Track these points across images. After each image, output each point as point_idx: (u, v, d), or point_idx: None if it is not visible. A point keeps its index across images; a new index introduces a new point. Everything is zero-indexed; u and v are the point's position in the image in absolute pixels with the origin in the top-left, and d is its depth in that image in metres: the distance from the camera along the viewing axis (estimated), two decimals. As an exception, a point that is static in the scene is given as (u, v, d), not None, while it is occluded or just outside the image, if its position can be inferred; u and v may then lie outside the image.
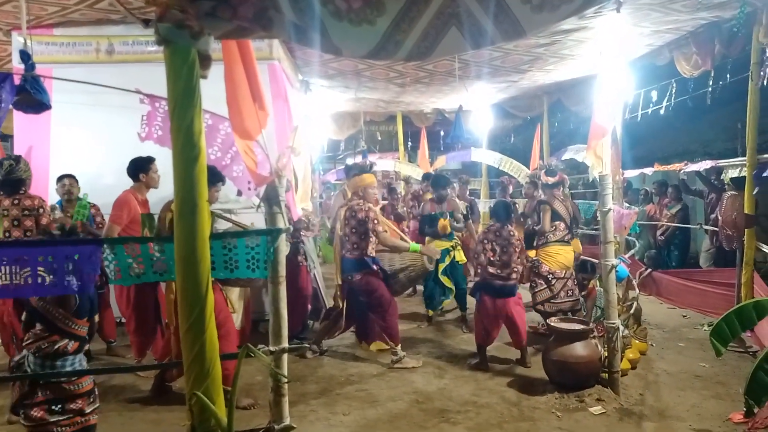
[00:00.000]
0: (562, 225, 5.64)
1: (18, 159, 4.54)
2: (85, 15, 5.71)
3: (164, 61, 1.89)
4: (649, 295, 7.86)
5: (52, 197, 5.43)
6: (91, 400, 3.17)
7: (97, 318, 3.37)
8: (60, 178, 5.27)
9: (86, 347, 3.28)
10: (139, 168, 4.82)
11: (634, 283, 5.92)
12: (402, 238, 5.71)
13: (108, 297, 5.29)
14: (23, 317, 3.16)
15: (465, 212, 6.71)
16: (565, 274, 5.57)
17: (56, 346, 3.01)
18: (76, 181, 5.36)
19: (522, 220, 7.11)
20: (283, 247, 2.74)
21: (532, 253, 5.67)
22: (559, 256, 5.58)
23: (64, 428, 3.05)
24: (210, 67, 1.95)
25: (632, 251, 7.64)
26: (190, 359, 1.87)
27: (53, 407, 3.02)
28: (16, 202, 4.38)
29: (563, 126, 12.12)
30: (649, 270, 8.09)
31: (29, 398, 3.02)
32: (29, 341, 3.05)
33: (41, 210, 4.41)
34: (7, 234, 4.33)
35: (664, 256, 8.64)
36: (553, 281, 5.52)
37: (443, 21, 1.99)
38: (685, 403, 4.23)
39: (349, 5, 1.90)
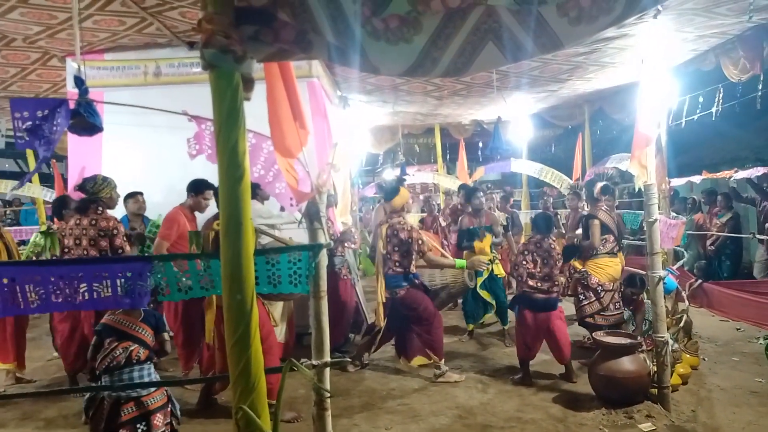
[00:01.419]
0: (611, 237, 5.53)
1: (94, 179, 4.70)
2: (134, 40, 5.96)
3: (209, 84, 1.96)
4: (700, 307, 7.59)
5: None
6: (167, 414, 3.27)
7: (167, 336, 3.47)
8: (134, 194, 5.45)
9: (155, 359, 3.40)
10: (195, 188, 4.95)
11: (684, 295, 5.73)
12: (443, 255, 5.71)
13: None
14: (93, 341, 3.28)
15: (505, 224, 6.65)
16: (613, 286, 5.46)
17: (130, 350, 3.15)
18: None
19: (564, 232, 6.98)
20: (324, 261, 2.79)
21: (579, 265, 5.56)
22: (609, 268, 5.47)
23: None
24: (253, 89, 2.01)
25: (681, 262, 7.40)
26: (236, 374, 1.91)
27: (138, 425, 3.13)
28: (93, 222, 4.55)
29: (605, 134, 11.90)
30: (699, 281, 7.82)
31: (114, 421, 3.12)
32: (102, 357, 3.17)
33: (115, 231, 4.58)
34: (85, 252, 4.52)
35: (714, 266, 8.35)
36: (602, 293, 5.40)
37: (480, 36, 2.00)
38: (740, 420, 4.06)
39: (386, 25, 1.93)
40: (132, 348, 3.17)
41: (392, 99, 9.22)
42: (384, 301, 5.15)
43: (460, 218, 7.09)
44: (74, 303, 2.61)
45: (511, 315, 6.15)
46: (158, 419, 3.18)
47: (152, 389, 3.22)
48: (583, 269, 5.51)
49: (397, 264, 5.08)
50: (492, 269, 6.38)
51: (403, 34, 1.94)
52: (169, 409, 3.30)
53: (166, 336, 3.42)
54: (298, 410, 4.34)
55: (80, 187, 4.66)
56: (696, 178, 8.69)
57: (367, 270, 9.75)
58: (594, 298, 5.41)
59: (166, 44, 6.13)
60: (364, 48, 1.93)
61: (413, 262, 5.11)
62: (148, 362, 3.25)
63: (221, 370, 4.14)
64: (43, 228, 5.15)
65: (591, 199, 5.74)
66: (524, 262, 4.99)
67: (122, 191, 5.59)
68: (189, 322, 4.96)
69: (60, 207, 5.35)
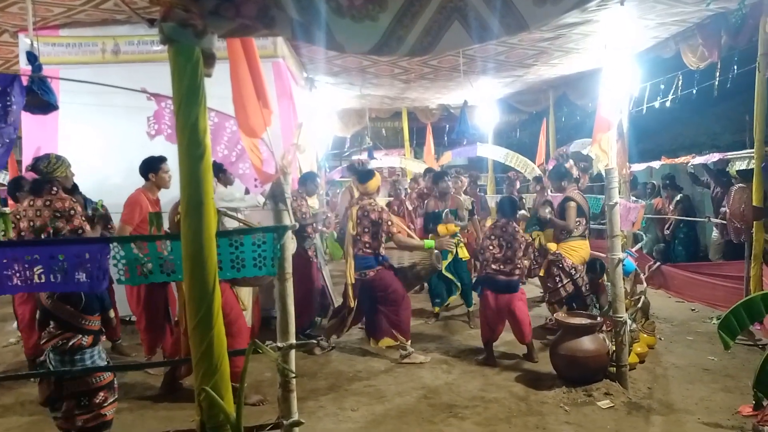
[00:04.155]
0: (583, 220, 5.62)
1: (47, 158, 4.52)
2: (91, 15, 5.75)
3: (169, 60, 1.91)
4: (658, 288, 7.83)
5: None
6: (111, 392, 3.26)
7: (112, 313, 3.41)
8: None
9: (102, 338, 3.36)
10: (149, 167, 4.81)
11: (642, 277, 5.89)
12: (410, 236, 5.73)
13: (113, 296, 5.31)
14: (37, 316, 3.22)
15: (470, 208, 6.71)
16: (584, 267, 5.57)
17: (70, 343, 3.10)
18: None
19: (528, 215, 7.07)
20: (290, 243, 2.76)
21: (553, 247, 5.61)
22: (581, 251, 5.57)
23: (87, 422, 3.14)
24: (214, 66, 1.96)
25: (639, 245, 7.60)
26: (198, 356, 1.88)
27: (80, 401, 3.11)
28: (47, 203, 4.39)
29: (569, 120, 12.09)
30: (657, 264, 8.06)
31: (58, 393, 3.11)
32: (45, 339, 3.15)
33: (72, 212, 4.42)
34: (42, 236, 4.37)
35: (672, 249, 8.60)
36: (576, 275, 5.50)
37: (445, 16, 1.98)
38: (693, 396, 4.22)
39: (351, 2, 1.90)
40: (73, 340, 3.12)
41: (359, 82, 9.15)
42: (353, 282, 5.16)
43: (426, 202, 7.13)
44: (30, 285, 2.52)
45: (476, 297, 6.24)
46: (100, 397, 3.17)
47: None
48: (557, 251, 5.58)
49: (366, 245, 5.10)
50: (456, 252, 6.45)
51: (369, 12, 1.92)
52: (111, 391, 3.27)
53: (111, 314, 3.39)
54: (264, 393, 4.32)
55: (33, 168, 4.48)
56: (655, 164, 8.91)
57: (334, 254, 9.73)
58: (568, 280, 5.50)
59: (125, 21, 5.93)
60: (328, 25, 1.90)
61: (382, 244, 5.13)
62: (93, 347, 3.21)
63: (186, 354, 4.08)
64: None
65: (571, 180, 5.80)
66: (490, 247, 5.06)
67: (80, 173, 5.42)
68: (152, 306, 4.88)
69: (15, 189, 5.15)
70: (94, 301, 3.20)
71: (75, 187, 5.05)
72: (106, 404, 3.19)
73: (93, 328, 3.20)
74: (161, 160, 4.81)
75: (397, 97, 10.86)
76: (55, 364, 3.13)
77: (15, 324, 5.94)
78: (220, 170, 4.66)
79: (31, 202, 4.43)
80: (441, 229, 6.36)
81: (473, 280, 6.26)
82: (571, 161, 5.95)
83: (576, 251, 5.56)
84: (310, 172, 5.93)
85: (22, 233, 4.51)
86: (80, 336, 3.13)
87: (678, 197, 8.52)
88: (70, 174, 4.65)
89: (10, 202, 6.53)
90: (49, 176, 4.42)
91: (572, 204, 5.53)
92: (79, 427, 3.14)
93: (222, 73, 2.11)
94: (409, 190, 10.11)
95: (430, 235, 6.56)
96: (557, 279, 5.56)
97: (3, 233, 5.15)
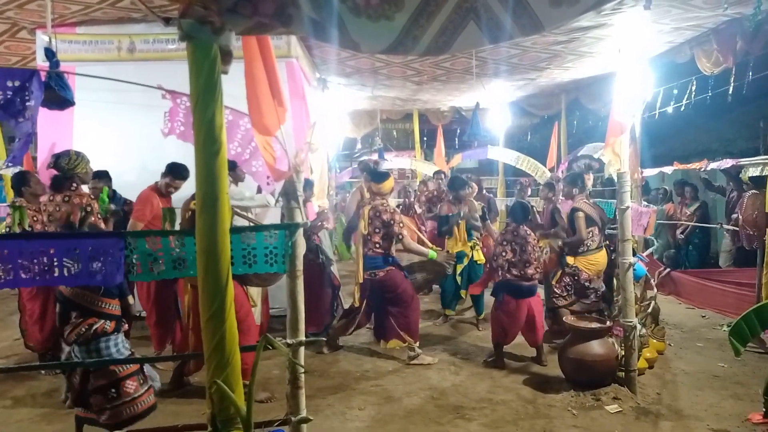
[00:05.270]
0: (596, 229, 5.42)
1: (67, 155, 4.56)
2: (107, 14, 5.80)
3: (186, 57, 1.93)
4: (668, 294, 7.78)
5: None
6: (141, 380, 3.28)
7: (131, 299, 3.46)
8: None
9: (125, 327, 3.40)
10: (167, 172, 4.85)
11: (653, 282, 5.85)
12: (420, 240, 5.74)
13: (133, 288, 5.32)
14: (57, 310, 3.27)
15: (482, 213, 6.68)
16: (599, 278, 5.48)
17: (94, 327, 3.16)
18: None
19: (541, 223, 6.97)
20: (301, 241, 2.77)
21: (570, 260, 5.45)
22: (598, 264, 5.42)
23: (121, 414, 3.17)
24: (231, 63, 1.99)
25: (650, 249, 7.56)
26: (210, 349, 1.91)
27: (109, 393, 3.15)
28: (66, 199, 4.44)
29: (581, 124, 12.01)
30: (667, 270, 8.00)
31: (85, 388, 3.16)
32: (69, 331, 3.19)
33: (89, 208, 4.47)
34: (57, 230, 4.42)
35: (683, 255, 8.55)
36: (589, 289, 5.41)
37: (461, 15, 2.00)
38: (702, 402, 4.20)
39: (368, 1, 1.92)
40: (97, 325, 3.18)
41: (371, 83, 9.17)
42: (361, 282, 5.17)
43: (439, 205, 7.11)
44: (44, 279, 2.55)
45: (485, 302, 6.21)
46: (129, 386, 3.20)
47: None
48: (573, 265, 5.40)
49: (377, 245, 5.11)
50: (472, 255, 6.42)
51: (384, 11, 1.93)
52: (142, 378, 3.30)
53: (130, 300, 3.43)
54: (272, 391, 4.34)
55: (54, 164, 4.54)
56: (668, 169, 8.83)
57: (343, 254, 9.76)
58: (576, 294, 5.40)
59: (141, 19, 5.98)
60: (344, 23, 1.92)
61: (393, 245, 5.15)
62: (116, 333, 3.26)
63: (195, 350, 4.11)
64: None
65: (581, 189, 5.65)
66: (503, 253, 5.02)
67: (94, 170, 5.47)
68: (162, 302, 4.92)
69: (20, 184, 5.17)
70: (112, 286, 3.25)
71: (106, 174, 5.07)
72: (139, 393, 3.22)
73: (114, 312, 3.26)
74: (179, 173, 4.82)
75: (408, 98, 10.86)
76: (81, 356, 3.17)
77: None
78: (231, 168, 4.68)
79: (51, 197, 4.48)
80: (450, 243, 6.33)
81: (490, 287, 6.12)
82: (586, 169, 5.88)
83: (594, 265, 5.39)
84: (306, 179, 5.93)
85: (30, 227, 4.56)
86: (102, 321, 3.19)
87: (698, 203, 8.48)
88: (89, 170, 4.71)
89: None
90: (70, 173, 4.48)
91: (580, 214, 5.37)
92: (111, 418, 3.15)
93: (235, 73, 2.14)
94: (417, 193, 10.12)
95: (433, 246, 6.53)
96: (566, 288, 5.46)
97: (18, 224, 5.19)
